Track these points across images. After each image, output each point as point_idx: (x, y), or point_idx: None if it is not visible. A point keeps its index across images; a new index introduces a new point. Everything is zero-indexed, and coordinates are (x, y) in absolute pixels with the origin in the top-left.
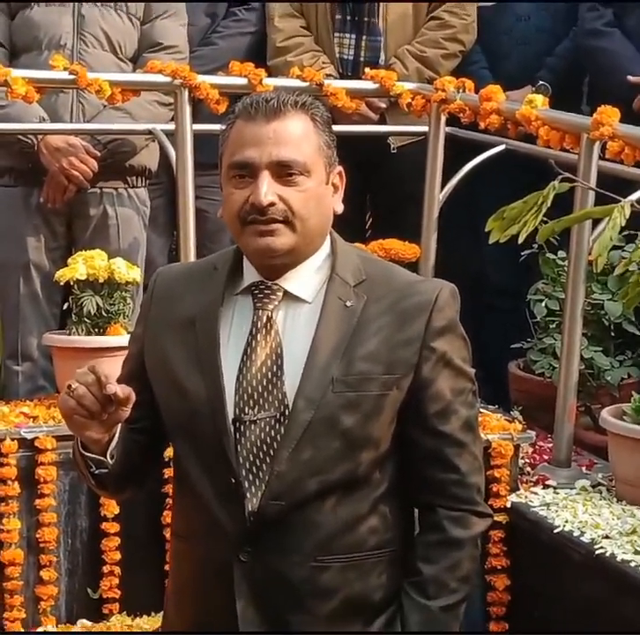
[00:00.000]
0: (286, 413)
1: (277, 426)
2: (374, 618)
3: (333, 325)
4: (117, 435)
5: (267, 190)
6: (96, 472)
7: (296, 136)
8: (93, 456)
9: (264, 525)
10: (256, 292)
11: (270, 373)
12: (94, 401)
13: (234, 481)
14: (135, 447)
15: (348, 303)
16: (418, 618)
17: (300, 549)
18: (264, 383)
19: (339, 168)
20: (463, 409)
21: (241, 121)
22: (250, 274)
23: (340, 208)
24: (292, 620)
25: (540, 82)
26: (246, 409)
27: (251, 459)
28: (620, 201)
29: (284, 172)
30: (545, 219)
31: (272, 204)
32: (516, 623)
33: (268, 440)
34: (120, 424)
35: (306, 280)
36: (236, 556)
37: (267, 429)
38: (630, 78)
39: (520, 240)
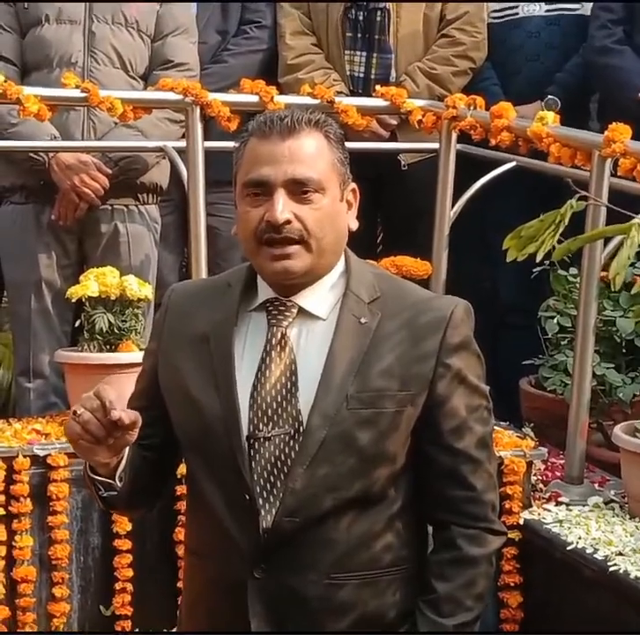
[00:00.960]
0: (301, 429)
1: (291, 443)
2: None
3: (348, 342)
4: (126, 457)
5: (283, 207)
6: (105, 495)
7: (311, 153)
8: (102, 479)
9: (279, 542)
10: (271, 309)
11: (284, 390)
12: (99, 427)
13: (248, 497)
14: (145, 464)
15: (363, 320)
16: None
17: (314, 567)
18: (279, 399)
19: (353, 185)
20: (477, 426)
21: (255, 139)
22: (264, 291)
23: (355, 225)
24: None
25: (549, 96)
26: (260, 426)
27: (265, 475)
28: (633, 218)
29: (299, 190)
30: (560, 237)
31: (288, 222)
32: None
33: (282, 457)
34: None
35: (321, 297)
36: (250, 573)
37: (281, 446)
38: None
39: (538, 259)
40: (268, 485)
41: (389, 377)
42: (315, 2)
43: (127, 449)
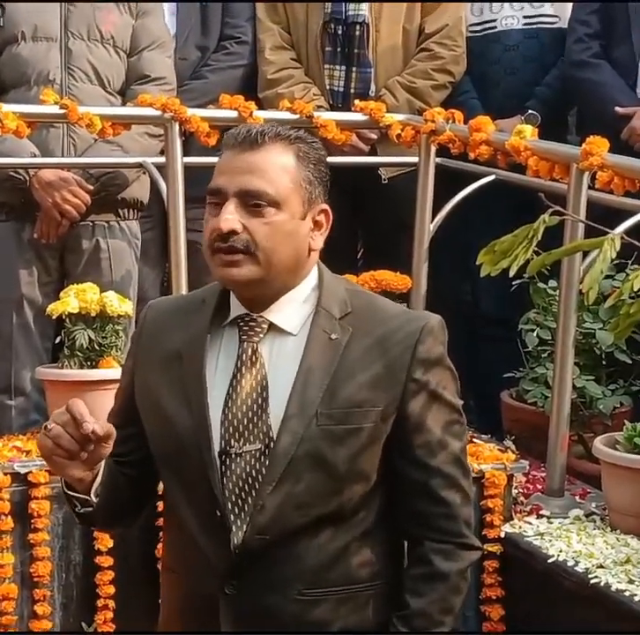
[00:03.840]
0: (271, 445)
1: (262, 459)
2: None
3: (318, 358)
4: (101, 473)
5: (230, 217)
6: (81, 510)
7: (270, 167)
8: (77, 495)
9: (250, 559)
10: (242, 325)
11: (255, 405)
12: (71, 441)
13: (219, 514)
14: (124, 481)
15: (333, 336)
16: None
17: (287, 584)
18: (250, 415)
19: (325, 207)
20: (451, 442)
21: (225, 149)
22: (236, 307)
23: (318, 245)
24: None
25: (529, 111)
26: (232, 442)
27: (237, 492)
28: (609, 232)
29: (251, 202)
30: (536, 249)
31: (234, 232)
32: None
33: (253, 473)
34: (107, 459)
35: (291, 312)
36: (222, 589)
37: (252, 462)
38: (618, 109)
39: (511, 273)
40: (239, 502)
41: (360, 394)
42: (294, 17)
43: (102, 464)
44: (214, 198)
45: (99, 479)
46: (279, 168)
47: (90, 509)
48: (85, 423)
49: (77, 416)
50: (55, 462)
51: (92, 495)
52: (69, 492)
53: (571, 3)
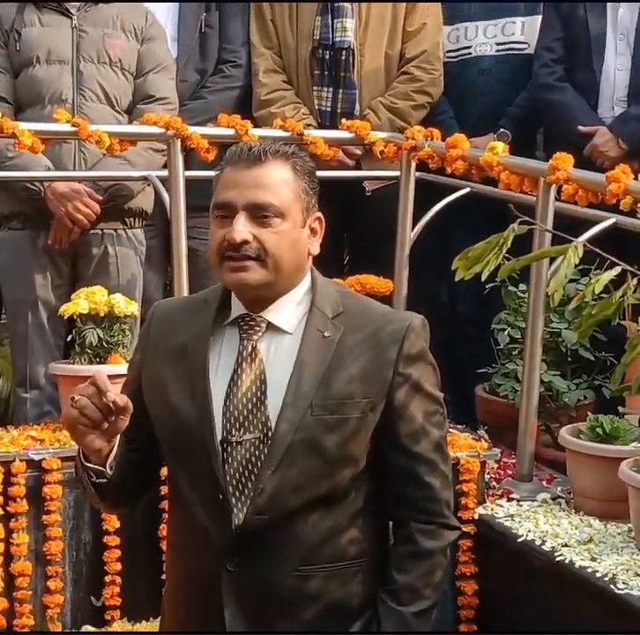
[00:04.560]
0: (270, 434)
1: (260, 447)
2: (352, 622)
3: (313, 354)
4: (116, 448)
5: (242, 228)
6: (96, 481)
7: (274, 181)
8: (94, 466)
9: (250, 538)
10: (242, 324)
11: (254, 398)
12: (96, 410)
13: (221, 497)
14: (130, 466)
15: (326, 334)
16: (392, 623)
17: (283, 560)
18: (249, 407)
19: (319, 214)
20: (433, 430)
21: (228, 167)
22: (237, 307)
23: (316, 250)
24: (277, 626)
25: (501, 129)
26: (233, 431)
27: (237, 477)
28: (573, 241)
29: (259, 213)
30: (507, 255)
31: (246, 241)
32: (484, 624)
33: (253, 459)
34: (119, 442)
35: (287, 312)
36: (224, 566)
37: (252, 450)
38: (581, 128)
39: (483, 278)
40: (240, 486)
41: (351, 386)
42: (285, 42)
43: (117, 439)
44: (222, 212)
45: (113, 453)
46: (280, 181)
47: (104, 480)
48: (108, 393)
49: (101, 387)
50: (78, 431)
51: (107, 467)
52: (86, 463)
53: (538, 31)
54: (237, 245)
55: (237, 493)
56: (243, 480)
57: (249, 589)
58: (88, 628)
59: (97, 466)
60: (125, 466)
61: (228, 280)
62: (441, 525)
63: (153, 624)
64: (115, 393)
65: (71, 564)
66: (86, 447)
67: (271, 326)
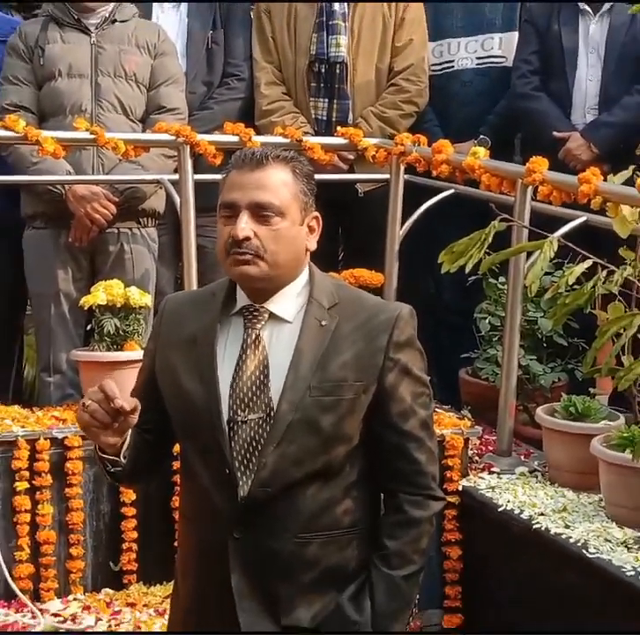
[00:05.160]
0: (272, 414)
1: (264, 425)
2: (347, 585)
3: (311, 341)
4: (128, 439)
5: (244, 226)
6: (112, 470)
7: (274, 183)
8: (109, 457)
9: (254, 508)
10: (247, 314)
11: (258, 381)
12: (105, 414)
13: (228, 471)
14: (145, 445)
15: (323, 323)
16: (383, 585)
17: (284, 529)
18: (253, 389)
19: (316, 214)
20: (420, 410)
21: (233, 170)
22: (242, 299)
23: (313, 246)
24: (279, 588)
25: (482, 136)
26: (238, 411)
27: (243, 453)
28: (548, 237)
29: (261, 212)
30: (488, 251)
31: (248, 238)
32: (467, 586)
33: (257, 437)
34: (132, 428)
35: (288, 303)
36: (231, 534)
37: (256, 428)
38: (556, 133)
39: (467, 270)
40: (245, 461)
41: (345, 370)
42: (284, 57)
43: (129, 432)
44: (228, 212)
45: (126, 444)
46: (280, 183)
47: (119, 468)
48: (116, 400)
49: (109, 394)
50: (91, 432)
51: (121, 457)
52: (102, 455)
53: (516, 45)
54: (240, 241)
55: (242, 468)
56: (248, 456)
57: (253, 555)
58: (107, 590)
59: (112, 457)
60: (140, 446)
61: (233, 273)
62: (427, 496)
63: (167, 587)
64: (123, 398)
65: (92, 532)
66: (101, 443)
67: (272, 316)
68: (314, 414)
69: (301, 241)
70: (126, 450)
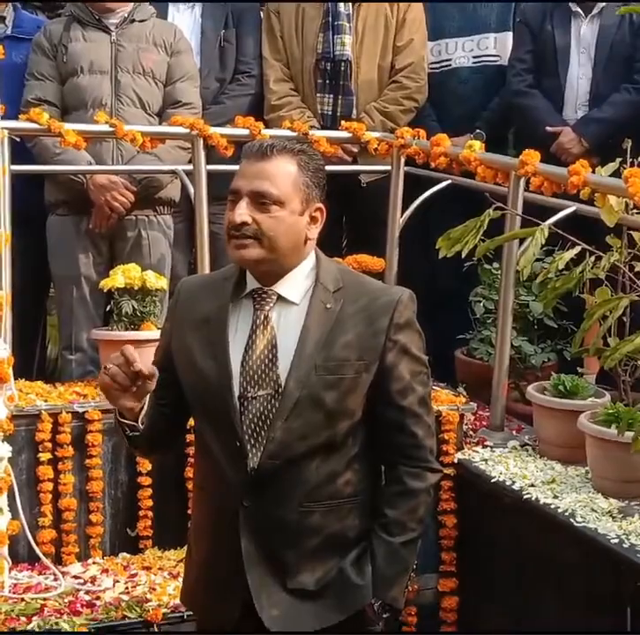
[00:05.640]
0: (280, 391)
1: (272, 401)
2: (349, 551)
3: (316, 323)
4: (146, 406)
5: (241, 212)
6: (130, 434)
7: (276, 173)
8: (128, 422)
9: (263, 479)
10: (256, 296)
11: (267, 360)
12: (125, 377)
13: (239, 444)
14: (162, 418)
15: (328, 306)
16: (383, 551)
17: (290, 498)
18: (263, 367)
19: (319, 205)
20: (419, 387)
21: (243, 159)
22: (251, 282)
23: (313, 235)
24: (285, 554)
25: (477, 130)
26: (248, 388)
27: (253, 427)
28: (540, 224)
29: (260, 200)
30: (482, 238)
31: (245, 223)
32: (462, 552)
33: (265, 412)
34: (150, 399)
35: (295, 286)
36: (241, 503)
37: (265, 404)
38: (548, 128)
39: (463, 255)
40: (254, 434)
41: (348, 350)
42: (292, 55)
43: (147, 398)
44: (232, 197)
45: (144, 410)
46: (283, 173)
47: (137, 433)
48: (135, 363)
49: (129, 358)
50: (111, 394)
51: (139, 422)
52: (121, 419)
53: (510, 45)
54: (238, 226)
55: (252, 441)
56: (257, 429)
57: (261, 522)
58: (124, 554)
59: (131, 422)
60: (157, 419)
61: (232, 256)
62: (425, 468)
63: (180, 552)
64: (142, 363)
65: (110, 500)
66: (120, 407)
67: (280, 298)
68: (319, 391)
69: (301, 230)
70: (143, 416)
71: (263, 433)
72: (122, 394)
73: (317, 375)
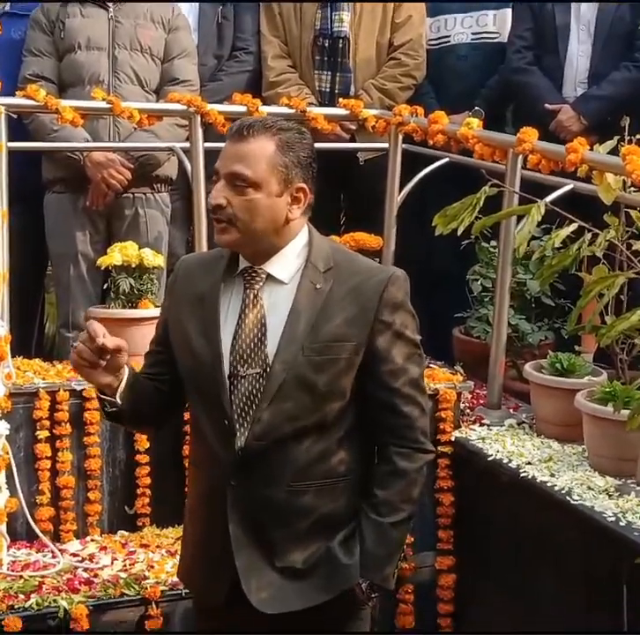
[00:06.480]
0: (268, 370)
1: (261, 381)
2: (338, 532)
3: (305, 303)
4: (125, 382)
5: (216, 193)
6: (109, 410)
7: (252, 155)
8: (106, 398)
9: (250, 458)
10: (246, 275)
11: (256, 338)
12: (89, 353)
13: (227, 423)
14: (158, 394)
15: (318, 286)
16: (372, 531)
17: (278, 478)
18: (252, 346)
19: (301, 185)
20: (410, 368)
21: (227, 139)
22: (243, 261)
23: (295, 216)
24: (274, 534)
25: (476, 107)
26: (238, 367)
27: (241, 406)
28: (537, 202)
29: (235, 182)
30: (479, 215)
31: (221, 206)
32: (459, 530)
33: (254, 392)
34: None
35: (285, 265)
36: (228, 482)
37: (254, 383)
38: (548, 105)
39: (459, 233)
40: (243, 413)
41: (337, 331)
42: (290, 32)
43: (126, 374)
44: (215, 178)
45: (122, 387)
46: (258, 155)
47: (115, 409)
48: (97, 338)
49: (91, 333)
50: (83, 371)
51: (117, 398)
52: (100, 396)
53: (509, 22)
54: (214, 208)
55: (240, 420)
56: (246, 409)
57: (248, 502)
58: (122, 532)
59: (109, 398)
60: (152, 395)
61: (215, 238)
62: (416, 449)
63: (177, 530)
64: (108, 338)
65: (108, 478)
66: (96, 383)
67: (270, 277)
68: (306, 372)
69: (279, 211)
70: (122, 392)
71: (251, 413)
72: (94, 371)
73: (305, 356)
